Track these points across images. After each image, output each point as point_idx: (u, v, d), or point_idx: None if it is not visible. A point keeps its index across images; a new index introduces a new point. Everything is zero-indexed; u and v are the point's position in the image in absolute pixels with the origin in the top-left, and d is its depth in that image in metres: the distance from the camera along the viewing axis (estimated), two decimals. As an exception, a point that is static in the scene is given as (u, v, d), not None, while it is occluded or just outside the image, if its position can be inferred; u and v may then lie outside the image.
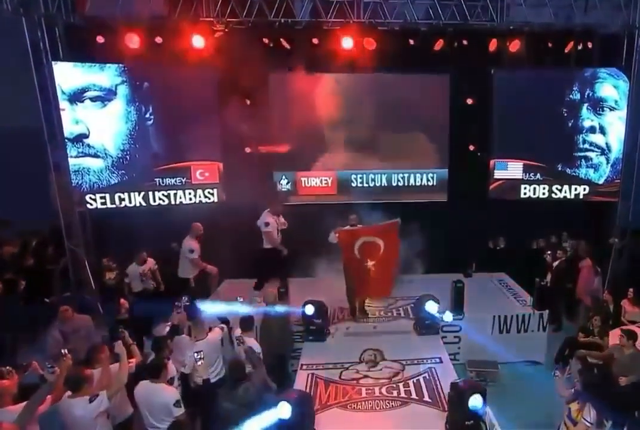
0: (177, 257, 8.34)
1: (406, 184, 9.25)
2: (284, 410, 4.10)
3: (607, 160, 8.64)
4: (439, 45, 8.35)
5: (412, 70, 8.61)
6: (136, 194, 8.94)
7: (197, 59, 8.40)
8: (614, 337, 5.90)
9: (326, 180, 9.24)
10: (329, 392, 5.27)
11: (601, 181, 8.73)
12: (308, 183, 9.25)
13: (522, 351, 6.92)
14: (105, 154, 8.73)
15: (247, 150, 9.09)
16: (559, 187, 8.86)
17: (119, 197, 8.87)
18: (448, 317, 6.35)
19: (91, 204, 8.77)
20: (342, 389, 5.32)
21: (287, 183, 9.26)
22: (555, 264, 7.79)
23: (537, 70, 8.41)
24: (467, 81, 8.71)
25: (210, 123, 8.79)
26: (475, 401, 4.33)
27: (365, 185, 9.24)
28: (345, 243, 6.82)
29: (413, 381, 5.48)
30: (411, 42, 8.39)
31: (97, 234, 9.09)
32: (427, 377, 5.53)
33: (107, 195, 8.81)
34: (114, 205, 8.87)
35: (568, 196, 8.84)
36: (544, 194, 8.88)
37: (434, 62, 8.49)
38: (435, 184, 9.24)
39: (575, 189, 8.80)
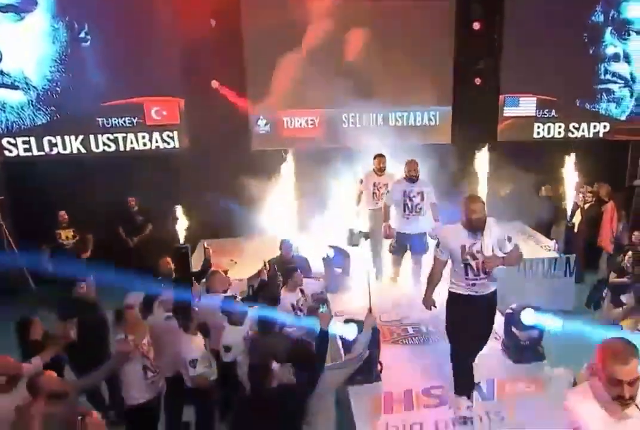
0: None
1: (405, 123, 8.19)
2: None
3: (631, 93, 7.99)
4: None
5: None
6: (72, 137, 7.24)
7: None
8: None
9: (312, 120, 7.92)
10: (374, 332, 4.60)
11: (623, 117, 8.11)
12: (291, 124, 7.94)
13: (549, 298, 6.33)
14: (27, 84, 6.93)
15: (214, 84, 7.64)
16: (577, 125, 8.14)
17: (49, 141, 7.15)
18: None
19: (10, 151, 7.00)
20: (387, 329, 4.78)
21: (266, 124, 7.88)
22: (586, 206, 7.20)
23: (554, -13, 7.54)
24: (473, 3, 7.71)
25: (167, 47, 7.22)
26: (530, 318, 4.16)
27: (358, 125, 8.03)
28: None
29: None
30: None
31: (17, 190, 7.39)
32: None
33: (33, 139, 7.07)
34: (42, 152, 7.16)
35: (586, 135, 8.17)
36: (559, 133, 8.12)
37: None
38: (437, 123, 8.27)
39: (595, 127, 8.13)
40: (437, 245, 3.71)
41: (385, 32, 7.74)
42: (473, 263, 3.54)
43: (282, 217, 7.13)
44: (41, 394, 2.76)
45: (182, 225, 6.07)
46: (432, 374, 3.93)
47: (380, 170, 6.02)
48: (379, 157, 6.08)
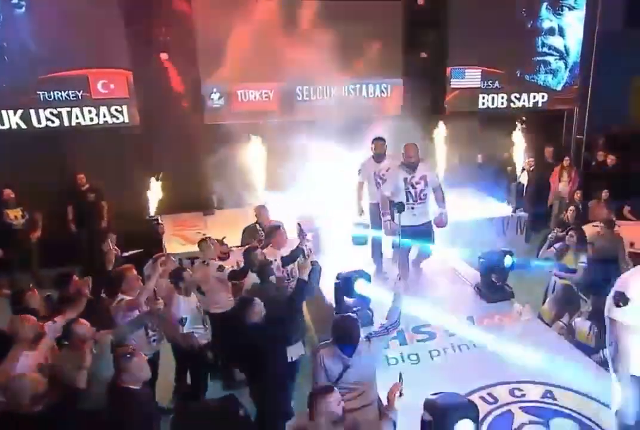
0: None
1: (358, 95, 8.40)
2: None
3: (566, 64, 8.68)
4: None
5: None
6: (11, 112, 6.87)
7: None
8: (588, 229, 6.08)
9: (267, 93, 8.00)
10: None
11: (559, 87, 8.80)
12: (245, 97, 7.96)
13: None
14: (-44, 54, 6.55)
15: (164, 56, 7.50)
16: (518, 96, 8.75)
17: (-15, 116, 6.80)
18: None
19: (-59, 127, 6.58)
20: None
21: (220, 97, 7.83)
22: (532, 169, 7.79)
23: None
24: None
25: (111, 15, 6.95)
26: (508, 261, 4.67)
27: (312, 98, 8.19)
28: None
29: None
30: None
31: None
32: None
33: (-33, 114, 6.68)
34: (-23, 128, 6.79)
35: (527, 105, 8.78)
36: (502, 103, 8.69)
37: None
38: (389, 95, 8.56)
39: (534, 97, 8.76)
40: (617, 302, 2.55)
41: (337, 5, 7.92)
42: None
43: (242, 190, 7.28)
44: (80, 337, 3.19)
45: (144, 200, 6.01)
46: (418, 315, 4.22)
47: (379, 156, 5.39)
48: (377, 141, 5.44)
